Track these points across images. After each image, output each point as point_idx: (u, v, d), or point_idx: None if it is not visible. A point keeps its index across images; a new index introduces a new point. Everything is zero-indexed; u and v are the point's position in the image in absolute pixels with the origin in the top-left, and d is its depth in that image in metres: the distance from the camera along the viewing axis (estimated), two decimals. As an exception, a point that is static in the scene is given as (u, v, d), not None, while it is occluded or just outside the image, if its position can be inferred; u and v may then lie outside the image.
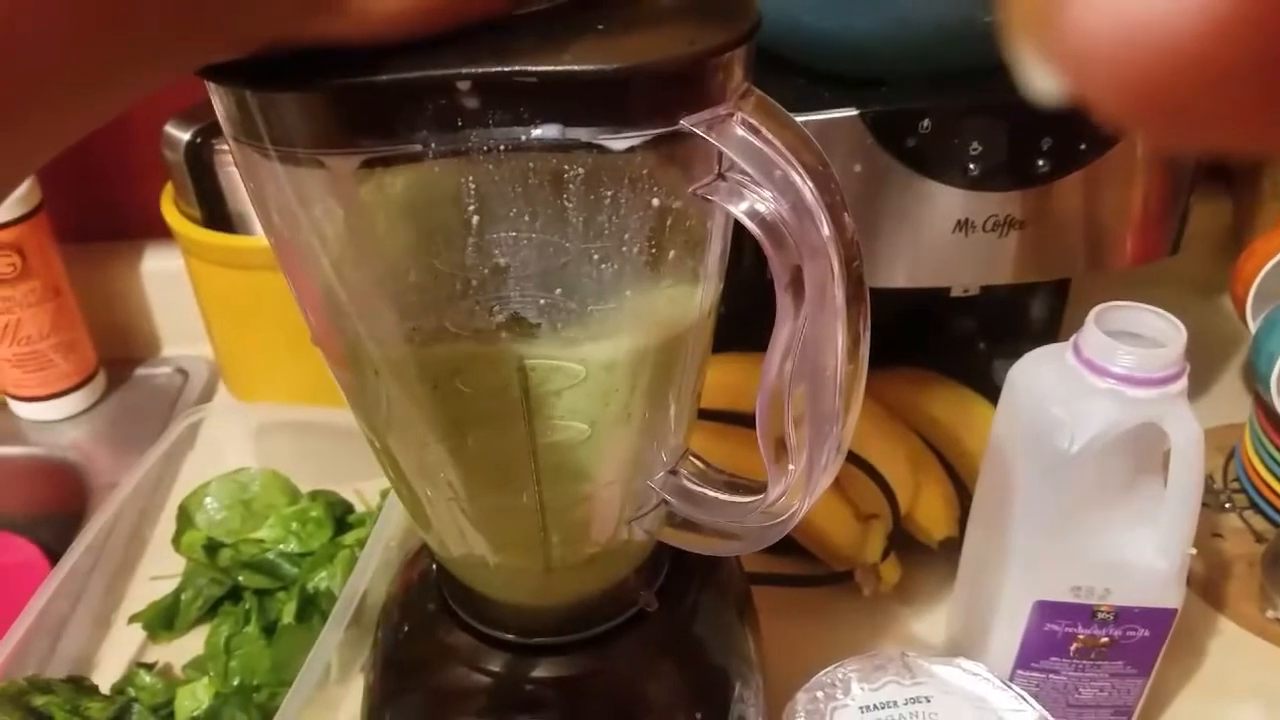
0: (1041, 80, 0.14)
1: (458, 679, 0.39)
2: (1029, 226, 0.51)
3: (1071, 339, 0.44)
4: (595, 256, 0.29)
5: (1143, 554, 0.44)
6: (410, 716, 0.39)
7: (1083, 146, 0.49)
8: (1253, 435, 0.63)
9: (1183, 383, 0.41)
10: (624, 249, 0.29)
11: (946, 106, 0.47)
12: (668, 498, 0.35)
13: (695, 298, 0.31)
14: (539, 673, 0.39)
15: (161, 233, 0.71)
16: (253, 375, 0.73)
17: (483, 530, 0.35)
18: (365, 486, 0.65)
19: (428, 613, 0.41)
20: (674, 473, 0.35)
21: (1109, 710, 0.48)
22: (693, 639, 0.41)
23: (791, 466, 0.31)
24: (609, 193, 0.28)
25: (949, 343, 0.67)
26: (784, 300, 0.28)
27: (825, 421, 0.30)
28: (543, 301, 0.29)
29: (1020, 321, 0.67)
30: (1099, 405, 0.42)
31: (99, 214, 0.79)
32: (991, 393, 0.50)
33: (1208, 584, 0.60)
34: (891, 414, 0.61)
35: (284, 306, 0.66)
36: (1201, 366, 0.71)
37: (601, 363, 0.30)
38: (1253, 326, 0.64)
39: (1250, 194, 0.79)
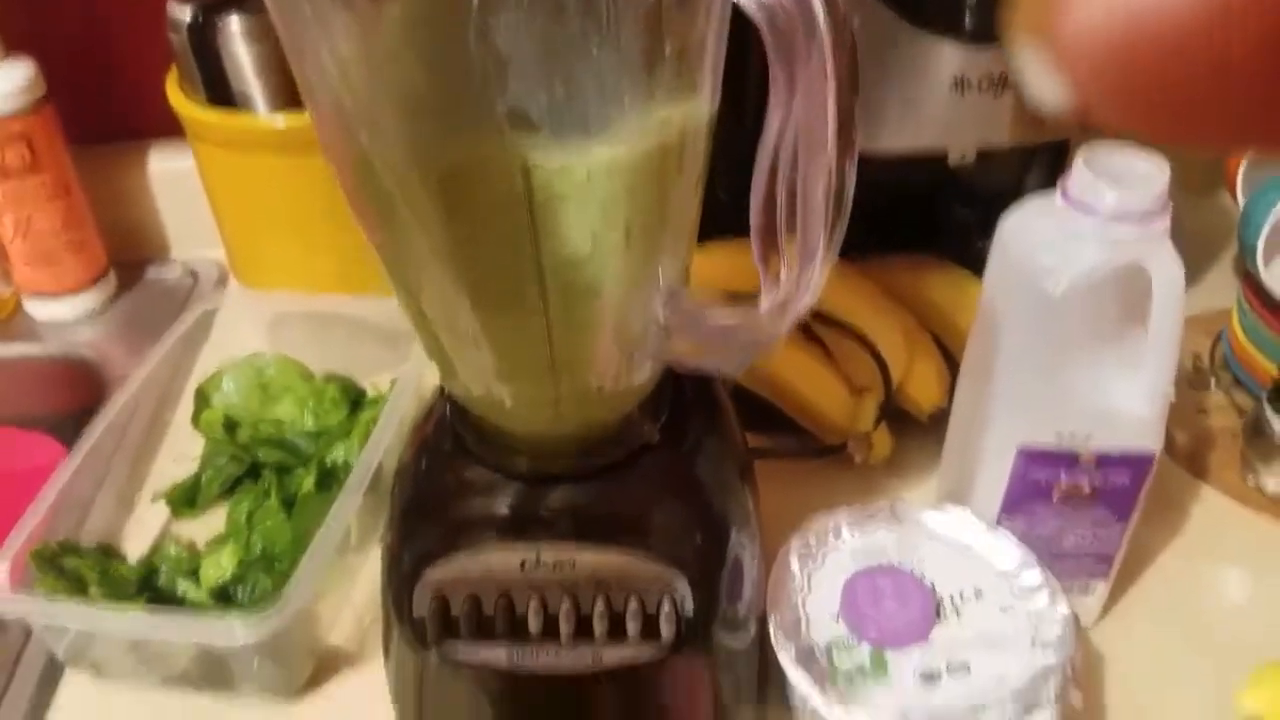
0: (1043, 84, 0.14)
1: (474, 510, 0.41)
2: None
3: (1059, 181, 0.45)
4: (594, 51, 0.30)
5: (1124, 398, 0.46)
6: (428, 547, 0.41)
7: None
8: (1240, 312, 0.65)
9: (1165, 222, 0.42)
10: (622, 43, 0.30)
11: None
12: (669, 318, 0.37)
13: (693, 105, 0.33)
14: (550, 503, 0.41)
15: (169, 131, 0.73)
16: (263, 264, 0.74)
17: (495, 358, 0.37)
18: (377, 378, 0.67)
19: (444, 452, 0.43)
20: (675, 295, 0.37)
21: (1090, 559, 0.50)
22: (693, 478, 0.43)
23: (785, 267, 0.32)
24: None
25: (947, 227, 0.68)
26: (777, 90, 0.29)
27: (816, 215, 0.31)
28: (544, 99, 0.30)
29: (1016, 201, 0.68)
30: (1085, 246, 0.43)
31: (105, 112, 0.80)
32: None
33: (1192, 455, 0.62)
34: (888, 295, 0.62)
35: (292, 191, 0.69)
36: (1194, 260, 0.72)
37: (603, 166, 0.32)
38: (1241, 200, 0.65)
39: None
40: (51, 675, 0.54)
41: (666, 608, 0.41)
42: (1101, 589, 0.51)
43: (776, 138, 0.30)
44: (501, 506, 0.41)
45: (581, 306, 0.36)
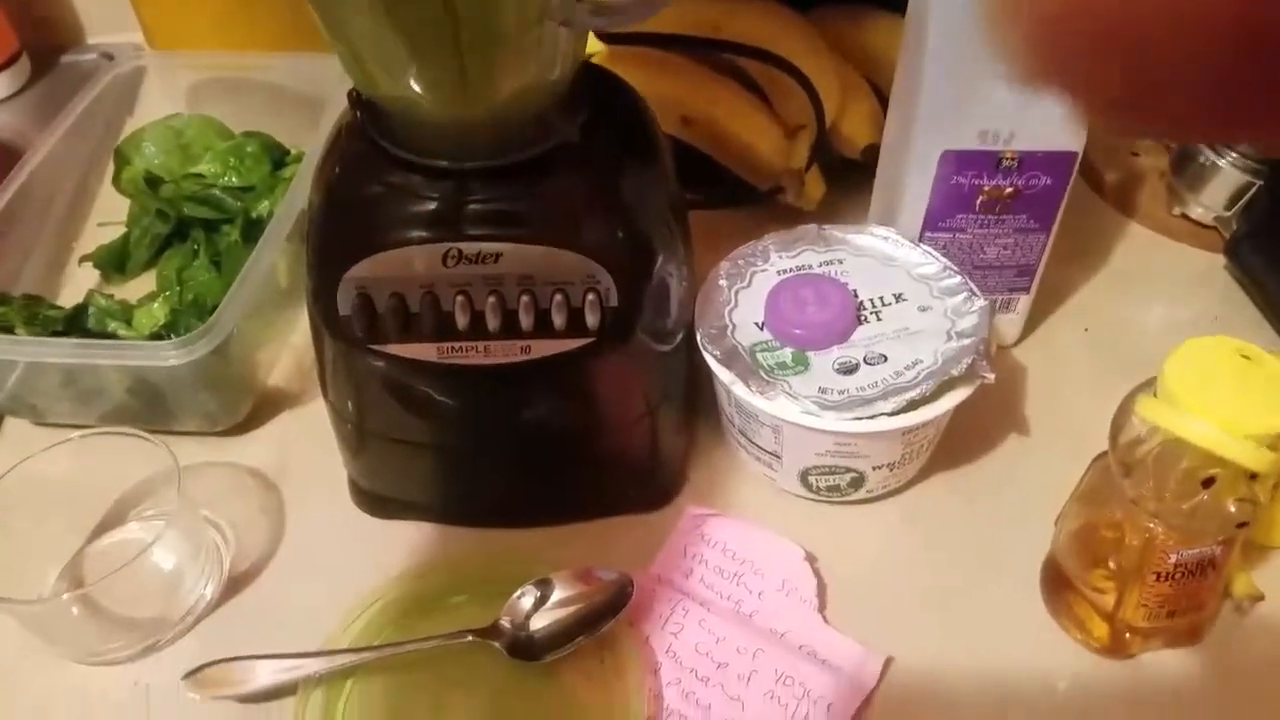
0: (1012, 65, 0.14)
1: (393, 207, 0.41)
2: None
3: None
4: None
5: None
6: (349, 245, 0.41)
7: None
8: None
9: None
10: None
11: None
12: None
13: None
14: (471, 197, 0.40)
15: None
16: (179, 29, 0.71)
17: (401, 42, 0.36)
18: (300, 139, 0.65)
19: (360, 153, 0.42)
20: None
21: (1012, 271, 0.51)
22: (615, 179, 0.43)
23: None
24: None
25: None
26: None
27: None
28: None
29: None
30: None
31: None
32: None
33: (1121, 193, 0.63)
34: (826, 40, 0.61)
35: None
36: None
37: None
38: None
39: None
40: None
41: (591, 299, 0.41)
42: (1023, 303, 0.53)
43: None
44: (420, 202, 0.41)
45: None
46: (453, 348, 0.42)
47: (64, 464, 0.48)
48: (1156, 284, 0.59)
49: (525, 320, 0.41)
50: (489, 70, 0.38)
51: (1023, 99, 0.46)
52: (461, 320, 0.42)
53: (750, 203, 0.61)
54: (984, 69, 0.46)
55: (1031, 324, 0.55)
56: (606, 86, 0.46)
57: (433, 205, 0.40)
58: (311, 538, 0.49)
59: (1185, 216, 0.60)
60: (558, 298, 0.41)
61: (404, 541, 0.49)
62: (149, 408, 0.51)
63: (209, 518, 0.50)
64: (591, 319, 0.41)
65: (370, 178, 0.41)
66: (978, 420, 0.48)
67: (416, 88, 0.39)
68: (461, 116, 0.40)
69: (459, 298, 0.41)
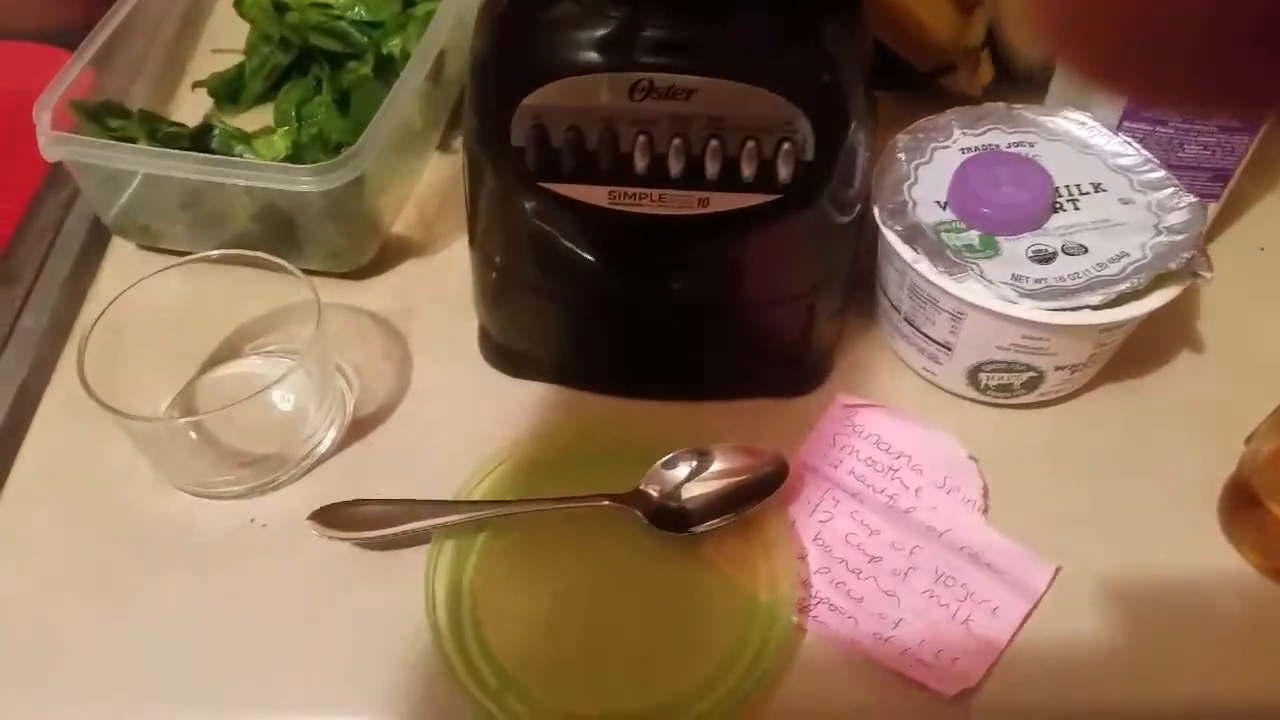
0: (1026, 39, 0.15)
1: (579, 28, 0.37)
2: None
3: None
4: None
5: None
6: (527, 69, 0.37)
7: None
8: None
9: None
10: None
11: None
12: None
13: None
14: (665, 24, 0.37)
15: None
16: None
17: None
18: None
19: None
20: None
21: (1208, 174, 0.47)
22: (821, 39, 0.39)
23: None
24: None
25: None
26: None
27: None
28: None
29: None
30: None
31: None
32: None
33: (1300, 115, 0.59)
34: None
35: None
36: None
37: None
38: None
39: None
40: (96, 245, 0.52)
41: (786, 149, 0.38)
42: (1211, 211, 0.49)
43: None
44: (611, 26, 0.37)
45: None
46: (626, 193, 0.39)
47: (178, 288, 0.45)
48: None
49: (711, 167, 0.38)
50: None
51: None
52: (640, 163, 0.38)
53: (906, 85, 0.57)
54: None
55: (1210, 236, 0.51)
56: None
57: (625, 31, 0.37)
58: (438, 389, 0.47)
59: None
60: (749, 145, 0.38)
61: (533, 401, 0.47)
62: (274, 238, 0.48)
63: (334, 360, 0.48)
64: (785, 171, 0.38)
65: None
66: (1149, 333, 0.45)
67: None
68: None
69: (640, 138, 0.38)
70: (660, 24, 0.37)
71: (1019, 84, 0.55)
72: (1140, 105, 0.44)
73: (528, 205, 0.40)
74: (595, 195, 0.39)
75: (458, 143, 0.57)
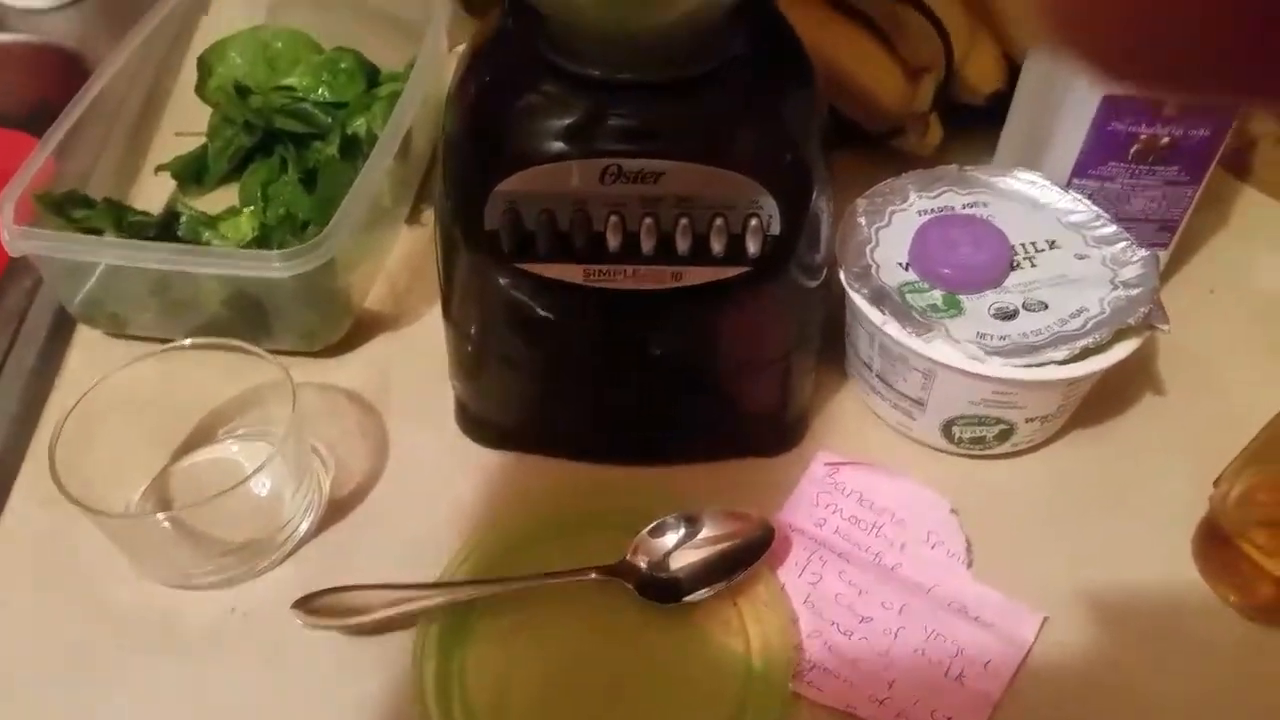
0: (1037, 34, 0.15)
1: (550, 118, 0.38)
2: None
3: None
4: None
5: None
6: (502, 157, 0.38)
7: None
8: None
9: None
10: None
11: None
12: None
13: None
14: (634, 111, 0.38)
15: None
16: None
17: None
18: (387, 62, 0.62)
19: (512, 62, 0.39)
20: None
21: (1155, 225, 0.49)
22: (782, 101, 0.40)
23: None
24: None
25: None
26: None
27: None
28: None
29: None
30: None
31: None
32: None
33: (1235, 159, 0.61)
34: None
35: None
36: None
37: None
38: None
39: None
40: (62, 332, 0.52)
41: (754, 225, 0.39)
42: (1162, 259, 0.51)
43: None
44: (580, 115, 0.38)
45: None
46: (600, 270, 0.40)
47: (150, 376, 0.45)
48: (1275, 249, 0.57)
49: (681, 244, 0.39)
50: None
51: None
52: (613, 241, 0.39)
53: (860, 145, 0.58)
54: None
55: (1162, 280, 0.53)
56: (763, 9, 0.44)
57: (593, 118, 0.38)
58: (416, 464, 0.47)
59: (1307, 184, 0.58)
60: (718, 222, 0.39)
61: (512, 471, 0.47)
62: (245, 322, 0.48)
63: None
64: (753, 245, 0.39)
65: (525, 87, 0.39)
66: (1114, 378, 0.46)
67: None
68: (629, 26, 0.37)
69: (612, 217, 0.39)
70: (626, 111, 0.38)
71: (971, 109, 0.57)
72: (1152, 95, 0.45)
73: (503, 283, 0.41)
74: (570, 273, 0.40)
75: (426, 215, 0.58)
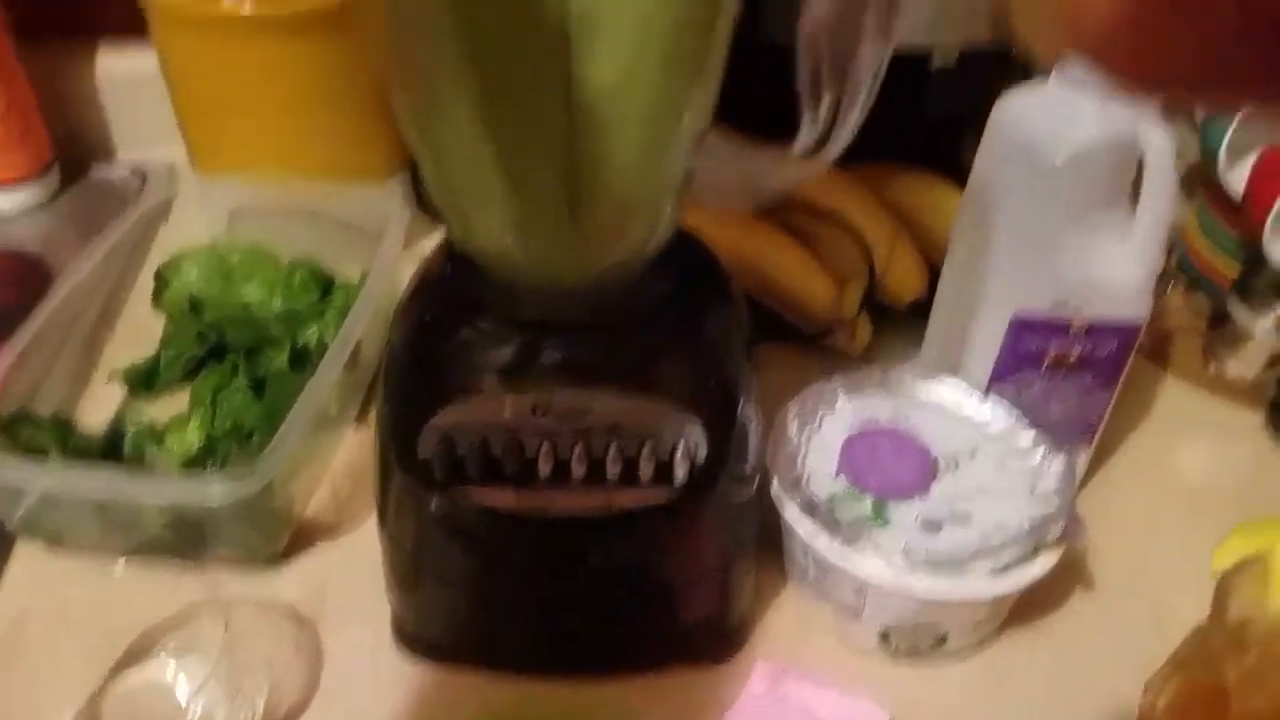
0: (1041, 39, 0.15)
1: (485, 355, 0.40)
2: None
3: (1055, 67, 0.46)
4: None
5: (1116, 268, 0.47)
6: (436, 392, 0.40)
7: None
8: (1200, 220, 0.67)
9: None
10: None
11: None
12: (693, 157, 0.36)
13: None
14: (564, 348, 0.40)
15: (124, 29, 0.69)
16: (224, 152, 0.71)
17: (517, 206, 0.36)
18: (345, 269, 0.65)
19: (449, 300, 0.41)
20: (700, 134, 0.36)
21: (1075, 427, 0.51)
22: (705, 332, 0.43)
23: (823, 109, 0.33)
24: None
25: (923, 134, 0.69)
26: None
27: (864, 62, 0.31)
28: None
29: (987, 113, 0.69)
30: (1083, 120, 0.44)
31: (60, 5, 0.76)
32: (957, 179, 0.52)
33: (1155, 350, 0.64)
34: (870, 192, 0.63)
35: (260, 76, 0.66)
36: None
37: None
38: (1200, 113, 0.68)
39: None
40: (1, 544, 0.51)
41: (681, 452, 0.40)
42: (1084, 457, 0.53)
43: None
44: (512, 353, 0.40)
45: (608, 143, 0.35)
46: (533, 494, 0.41)
47: (86, 592, 0.45)
48: (1200, 434, 0.60)
49: (612, 470, 0.40)
50: (600, 236, 0.38)
51: (1093, 272, 0.47)
52: (545, 468, 0.40)
53: (796, 341, 0.61)
54: (1057, 242, 0.47)
55: (1085, 480, 0.55)
56: (683, 238, 0.46)
57: (525, 356, 0.40)
58: (352, 681, 0.46)
59: (1221, 375, 0.61)
60: (646, 448, 0.40)
61: (450, 687, 0.46)
62: (184, 540, 0.48)
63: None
64: (680, 471, 0.40)
65: (460, 324, 0.41)
66: (1045, 578, 0.47)
67: (520, 247, 0.38)
68: (560, 278, 0.40)
69: (544, 444, 0.40)
70: (556, 349, 0.40)
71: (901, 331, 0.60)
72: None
73: (436, 505, 0.41)
74: (502, 498, 0.41)
75: (374, 416, 0.59)
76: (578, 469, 0.40)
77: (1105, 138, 0.44)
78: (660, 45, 0.33)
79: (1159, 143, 0.44)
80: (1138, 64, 0.15)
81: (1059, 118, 0.45)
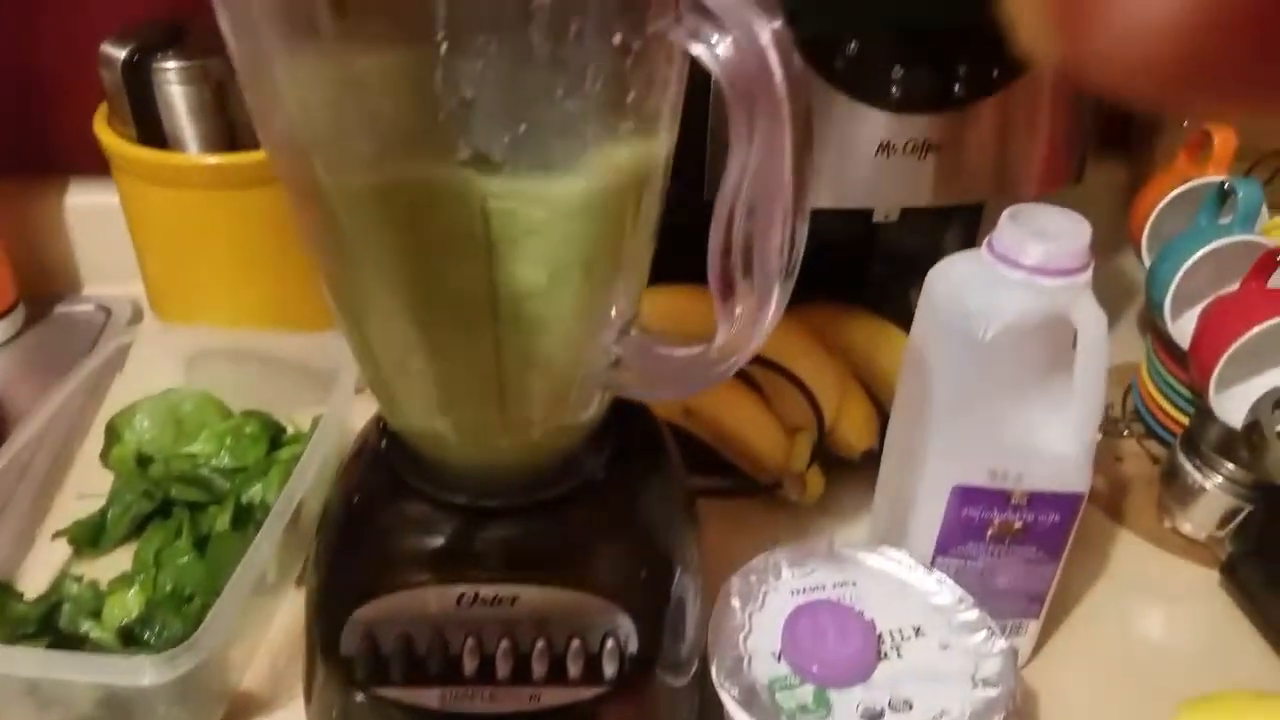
0: (1039, 41, 0.14)
1: (409, 545, 0.40)
2: (945, 150, 0.54)
3: (985, 239, 0.46)
4: (559, 93, 0.30)
5: (1053, 439, 0.47)
6: (360, 584, 0.39)
7: (995, 73, 0.52)
8: (1150, 367, 0.67)
9: (1088, 275, 0.44)
10: (586, 86, 0.30)
11: (873, 29, 0.50)
12: (620, 352, 0.36)
13: (652, 145, 0.33)
14: (490, 537, 0.40)
15: (91, 168, 0.70)
16: (183, 299, 0.72)
17: (443, 389, 0.36)
18: (297, 415, 0.65)
19: (378, 484, 0.41)
20: (625, 331, 0.37)
21: (1023, 597, 0.51)
22: (638, 515, 0.43)
23: (739, 310, 0.33)
24: (574, 26, 0.29)
25: (868, 280, 0.70)
26: (737, 139, 0.30)
27: (771, 263, 0.32)
28: (507, 139, 0.31)
29: (933, 258, 0.70)
30: (1012, 295, 0.44)
31: (27, 145, 0.78)
32: (905, 322, 0.53)
33: (1110, 500, 0.64)
34: (817, 341, 0.63)
35: (219, 226, 0.67)
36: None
37: (562, 204, 0.31)
38: (1147, 261, 0.69)
39: (1145, 159, 0.85)
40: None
41: (610, 646, 0.40)
42: (1033, 628, 0.52)
43: (734, 187, 0.30)
44: (438, 541, 0.40)
45: (533, 339, 0.36)
46: (457, 693, 0.40)
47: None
48: (1156, 596, 0.59)
49: (538, 668, 0.40)
50: (526, 416, 0.38)
51: (1031, 443, 0.47)
52: (470, 665, 0.40)
53: (753, 492, 0.61)
54: (992, 413, 0.47)
55: (1036, 649, 0.54)
56: (624, 412, 0.47)
57: (451, 544, 0.40)
58: None
59: (1176, 531, 0.61)
60: (574, 643, 0.40)
61: None
62: (116, 717, 0.47)
63: None
64: (609, 668, 0.40)
65: (388, 510, 0.41)
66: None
67: (449, 429, 0.39)
68: (491, 458, 0.40)
69: (469, 640, 0.40)
70: (483, 537, 0.39)
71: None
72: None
73: (358, 701, 0.41)
74: (426, 698, 0.40)
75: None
76: (503, 666, 0.39)
77: (1036, 312, 0.45)
78: (582, 252, 0.34)
79: (1090, 319, 0.45)
80: (1178, 73, 0.13)
81: (989, 290, 0.45)
